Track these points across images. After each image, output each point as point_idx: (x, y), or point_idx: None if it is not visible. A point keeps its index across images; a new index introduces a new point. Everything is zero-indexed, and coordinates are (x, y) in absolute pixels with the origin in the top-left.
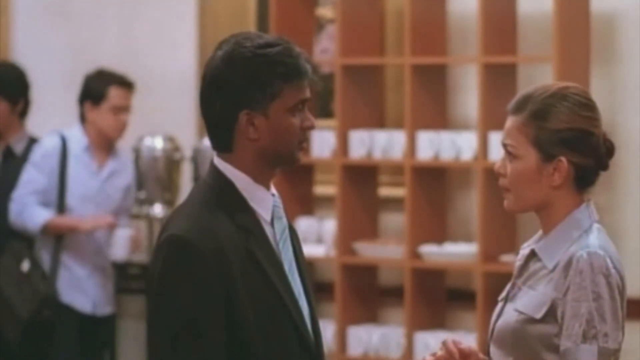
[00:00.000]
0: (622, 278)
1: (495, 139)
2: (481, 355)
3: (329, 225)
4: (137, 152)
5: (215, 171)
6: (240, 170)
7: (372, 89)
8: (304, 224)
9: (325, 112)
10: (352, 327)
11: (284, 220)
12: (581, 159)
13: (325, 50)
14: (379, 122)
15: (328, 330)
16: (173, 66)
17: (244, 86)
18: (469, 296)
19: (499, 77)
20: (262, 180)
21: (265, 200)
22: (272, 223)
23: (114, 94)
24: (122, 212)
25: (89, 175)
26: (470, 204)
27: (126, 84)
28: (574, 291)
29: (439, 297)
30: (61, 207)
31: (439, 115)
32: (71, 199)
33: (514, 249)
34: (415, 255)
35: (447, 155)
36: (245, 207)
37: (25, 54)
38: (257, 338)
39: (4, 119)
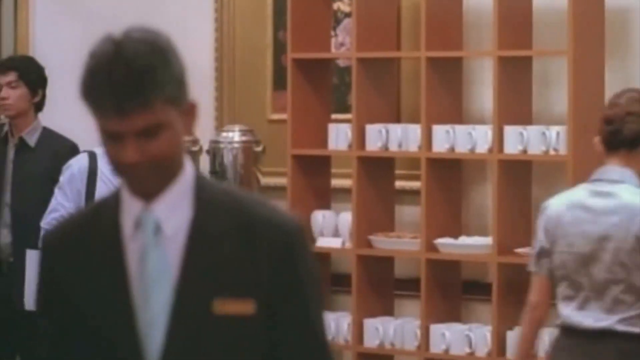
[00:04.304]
0: (550, 216)
1: (510, 132)
2: None
3: (345, 218)
4: None
5: None
6: None
7: (388, 82)
8: (321, 217)
9: (341, 105)
10: (368, 319)
11: (152, 236)
12: None
13: (342, 44)
14: (394, 115)
15: (344, 322)
16: (191, 60)
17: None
18: (484, 288)
19: (514, 71)
20: (131, 189)
21: (128, 211)
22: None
23: None
24: None
25: None
26: (486, 197)
27: None
28: None
29: (455, 290)
30: None
31: (454, 108)
32: None
33: (529, 241)
34: (431, 247)
35: (462, 148)
36: (112, 217)
37: (44, 50)
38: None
39: (22, 105)
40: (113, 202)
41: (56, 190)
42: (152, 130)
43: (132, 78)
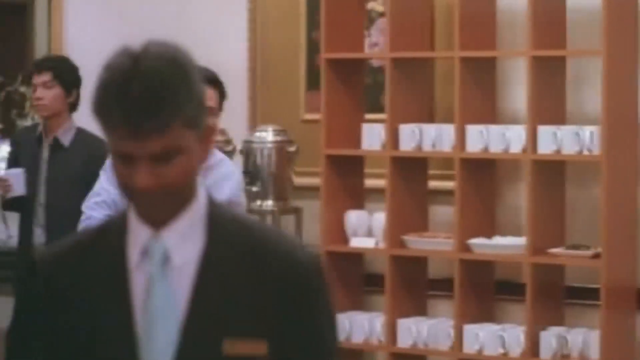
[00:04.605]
0: None
1: (544, 132)
2: None
3: (379, 218)
4: None
5: None
6: None
7: (422, 82)
8: (354, 217)
9: (375, 105)
10: (402, 319)
11: (160, 266)
12: None
13: (376, 44)
14: (428, 115)
15: (377, 322)
16: (224, 60)
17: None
18: (517, 289)
19: (548, 71)
20: (141, 215)
21: (135, 237)
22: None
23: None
24: None
25: None
26: (519, 197)
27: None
28: None
29: (488, 290)
30: None
31: (488, 108)
32: None
33: (562, 241)
34: (465, 247)
35: (496, 148)
36: (118, 243)
37: (78, 50)
38: None
39: (57, 105)
40: (119, 227)
41: (101, 174)
42: (168, 154)
43: (150, 97)
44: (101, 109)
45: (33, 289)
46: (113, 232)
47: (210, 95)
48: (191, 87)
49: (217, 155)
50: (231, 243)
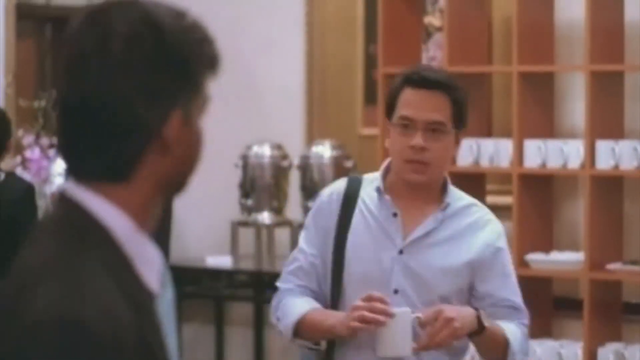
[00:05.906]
0: None
1: (603, 146)
2: None
3: None
4: (245, 159)
5: (78, 213)
6: (126, 211)
7: (480, 96)
8: None
9: None
10: None
11: (170, 289)
12: None
13: (433, 58)
14: (486, 130)
15: None
16: (281, 74)
17: (175, 74)
18: (575, 304)
19: (606, 85)
20: (146, 225)
21: (153, 261)
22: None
23: (406, 100)
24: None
25: (382, 238)
26: (577, 212)
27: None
28: None
29: (546, 306)
30: (336, 288)
31: (546, 123)
32: (353, 275)
33: (620, 257)
34: (522, 263)
35: (554, 164)
36: (131, 270)
37: None
38: None
39: None
40: (116, 255)
41: (302, 231)
42: None
43: None
44: (216, 55)
45: None
46: (114, 262)
47: (438, 104)
48: None
49: (458, 195)
50: None
